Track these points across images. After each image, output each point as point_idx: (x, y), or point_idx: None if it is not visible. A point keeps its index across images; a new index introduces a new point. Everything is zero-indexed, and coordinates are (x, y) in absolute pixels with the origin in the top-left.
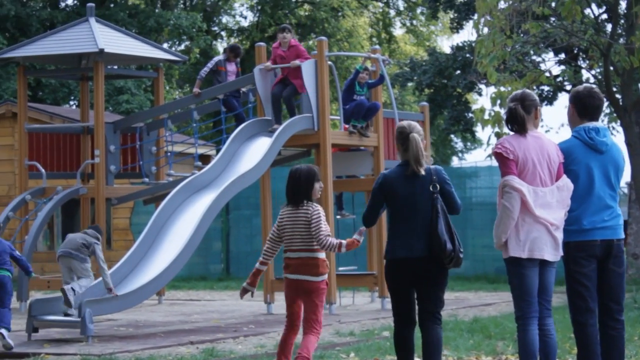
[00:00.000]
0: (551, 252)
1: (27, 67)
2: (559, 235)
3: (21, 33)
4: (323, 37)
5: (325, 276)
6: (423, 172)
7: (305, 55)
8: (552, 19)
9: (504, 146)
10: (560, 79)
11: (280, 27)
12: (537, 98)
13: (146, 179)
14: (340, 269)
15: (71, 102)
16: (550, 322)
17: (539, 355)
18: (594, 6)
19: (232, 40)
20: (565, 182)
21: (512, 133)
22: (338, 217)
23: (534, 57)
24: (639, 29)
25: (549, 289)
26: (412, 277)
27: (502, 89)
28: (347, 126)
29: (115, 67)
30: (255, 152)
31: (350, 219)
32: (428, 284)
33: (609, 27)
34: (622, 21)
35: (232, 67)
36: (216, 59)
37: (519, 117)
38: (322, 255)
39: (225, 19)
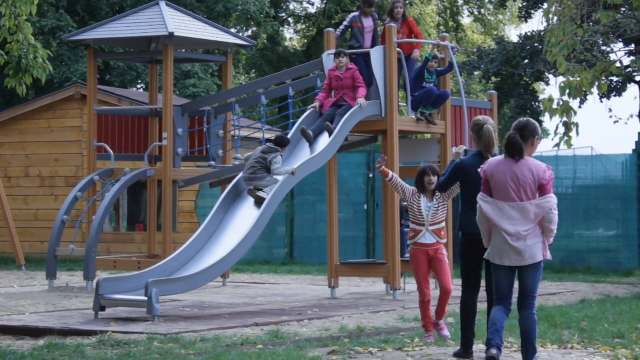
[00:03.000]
0: (513, 260)
1: (97, 49)
2: (519, 245)
3: (91, 17)
4: (392, 24)
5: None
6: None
7: (360, 80)
8: (624, 9)
9: (483, 168)
10: (630, 69)
11: (337, 51)
12: (537, 128)
13: (213, 163)
14: (406, 255)
15: (138, 86)
16: (525, 313)
17: (522, 335)
18: None
19: (299, 27)
20: (542, 201)
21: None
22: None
23: (603, 47)
24: None
25: (527, 286)
26: (482, 249)
27: (571, 78)
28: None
29: (184, 51)
30: (323, 137)
31: None
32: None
33: None
34: None
35: (368, 23)
36: (351, 16)
37: (516, 145)
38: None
39: (292, 5)
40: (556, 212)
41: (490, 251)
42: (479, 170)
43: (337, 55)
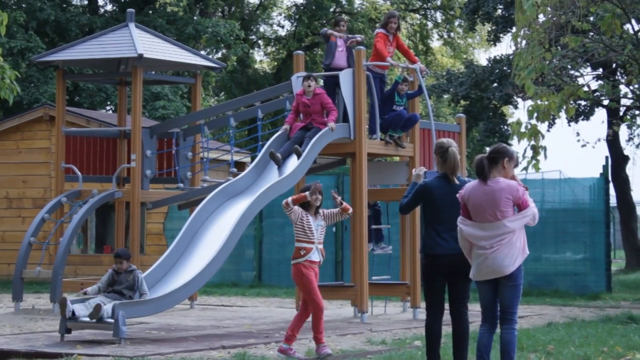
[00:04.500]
0: (489, 273)
1: (66, 71)
2: (492, 258)
3: (60, 38)
4: (361, 47)
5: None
6: (457, 182)
7: (330, 104)
8: (591, 33)
9: (460, 193)
10: (597, 93)
11: (305, 75)
12: (507, 151)
13: (181, 185)
14: (374, 278)
15: (107, 107)
16: (504, 327)
17: (500, 349)
18: (633, 21)
19: (269, 49)
20: (521, 214)
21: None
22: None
23: (571, 71)
24: None
25: (504, 303)
26: (446, 271)
27: (539, 102)
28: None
29: (153, 72)
30: (291, 159)
31: (385, 228)
32: (460, 276)
33: None
34: None
35: (340, 42)
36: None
37: (481, 168)
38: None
39: (262, 27)
40: (537, 218)
41: (472, 270)
42: (457, 195)
43: (305, 79)
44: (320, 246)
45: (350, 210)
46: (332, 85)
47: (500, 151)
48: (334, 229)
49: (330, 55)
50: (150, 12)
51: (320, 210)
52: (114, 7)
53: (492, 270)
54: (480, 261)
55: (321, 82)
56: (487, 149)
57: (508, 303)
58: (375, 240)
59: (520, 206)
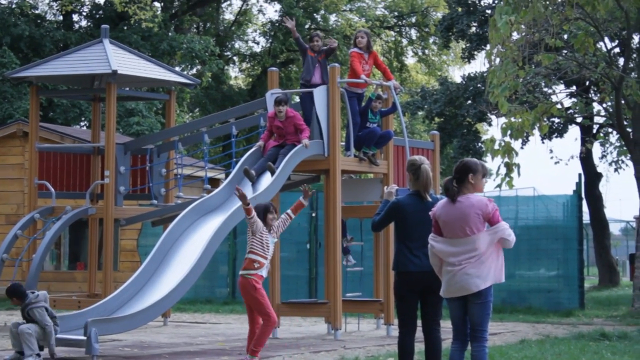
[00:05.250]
0: (457, 290)
1: (40, 86)
2: (461, 275)
3: (34, 53)
4: (335, 64)
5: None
6: (429, 199)
7: (303, 126)
8: (565, 51)
9: (433, 211)
10: (571, 111)
11: (276, 99)
12: (470, 167)
13: (155, 201)
14: (347, 295)
15: (82, 123)
16: (474, 344)
17: None
18: (606, 39)
19: (244, 66)
20: (492, 230)
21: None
22: (344, 244)
23: (545, 89)
24: None
25: (473, 321)
26: (418, 288)
27: (512, 119)
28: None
29: (127, 88)
30: (265, 176)
31: (358, 245)
32: (432, 294)
33: (621, 60)
34: (635, 55)
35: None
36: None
37: (446, 190)
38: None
39: (237, 44)
40: (512, 238)
41: (442, 287)
42: (430, 213)
43: (277, 103)
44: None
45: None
46: (311, 100)
47: (462, 169)
48: (307, 245)
49: (309, 71)
50: (125, 28)
51: (272, 228)
52: (89, 23)
53: (461, 287)
54: (449, 277)
55: (297, 98)
56: None
57: (477, 321)
58: (342, 253)
59: (490, 221)
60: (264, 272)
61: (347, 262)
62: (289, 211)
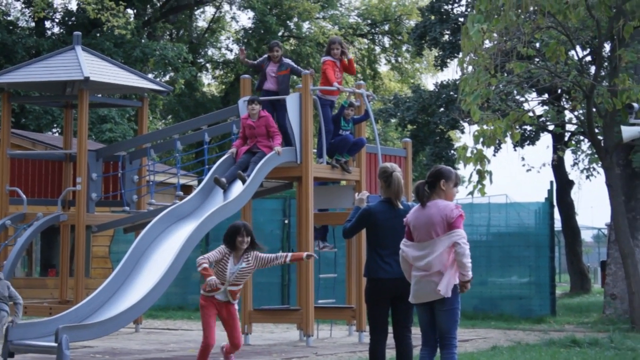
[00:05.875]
0: (422, 296)
1: (12, 93)
2: (426, 281)
3: (6, 60)
4: (308, 71)
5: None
6: (401, 206)
7: (274, 128)
8: (537, 59)
9: (407, 217)
10: (543, 119)
11: (249, 99)
12: (443, 173)
13: (127, 208)
14: (319, 301)
15: (54, 130)
16: (443, 352)
17: None
18: (578, 48)
19: (217, 73)
20: (448, 235)
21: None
22: (317, 249)
23: (517, 97)
24: (622, 71)
25: (441, 328)
26: (389, 295)
27: (485, 127)
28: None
29: (100, 95)
30: (237, 183)
31: (332, 252)
32: (403, 300)
33: (592, 69)
34: (606, 63)
35: (272, 68)
36: (265, 56)
37: (417, 193)
38: None
39: (210, 51)
40: (465, 246)
41: (411, 292)
42: (404, 220)
43: (250, 102)
44: (235, 288)
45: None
46: (270, 109)
47: (435, 174)
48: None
49: (259, 79)
50: (98, 34)
51: (252, 254)
52: (61, 30)
53: (426, 292)
54: (415, 282)
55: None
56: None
57: (445, 328)
58: (320, 238)
59: (451, 226)
60: (218, 297)
61: (320, 248)
62: (287, 256)
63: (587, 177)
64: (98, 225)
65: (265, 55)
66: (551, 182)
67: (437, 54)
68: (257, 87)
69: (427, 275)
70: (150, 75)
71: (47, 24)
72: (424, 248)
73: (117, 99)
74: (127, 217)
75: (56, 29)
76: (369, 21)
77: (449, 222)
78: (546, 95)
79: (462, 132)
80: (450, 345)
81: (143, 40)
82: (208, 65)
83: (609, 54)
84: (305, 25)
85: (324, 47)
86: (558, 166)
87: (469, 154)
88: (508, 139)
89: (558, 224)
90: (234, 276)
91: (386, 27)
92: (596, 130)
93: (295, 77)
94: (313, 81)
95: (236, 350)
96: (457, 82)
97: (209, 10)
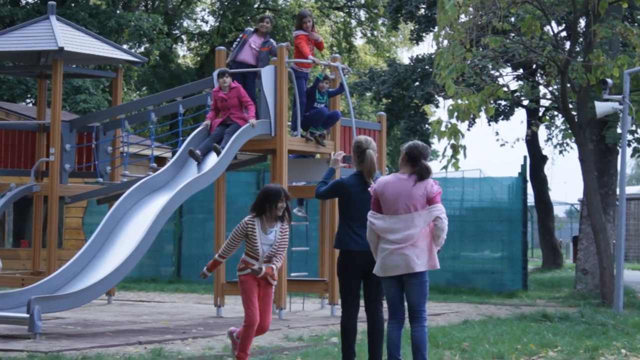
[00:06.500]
0: (393, 270)
1: None
2: (399, 254)
3: None
4: (283, 44)
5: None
6: (372, 183)
7: (247, 98)
8: (512, 34)
9: (373, 187)
10: (517, 94)
11: (220, 71)
12: (426, 154)
13: (100, 179)
14: (292, 274)
15: (28, 100)
16: (414, 325)
17: (412, 346)
18: (553, 23)
19: (192, 45)
20: (429, 210)
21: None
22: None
23: (492, 72)
24: (596, 47)
25: (411, 301)
26: (360, 267)
27: (459, 101)
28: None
29: (74, 66)
30: (211, 155)
31: (303, 225)
32: (374, 274)
33: (567, 44)
34: (581, 39)
35: (256, 41)
36: (247, 29)
37: (423, 170)
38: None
39: (186, 22)
40: (445, 221)
41: (377, 265)
42: (369, 189)
43: (221, 75)
44: (272, 265)
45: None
46: (240, 81)
47: (415, 152)
48: None
49: (235, 49)
50: (73, 5)
51: (285, 226)
52: (36, 0)
53: (397, 265)
54: (385, 255)
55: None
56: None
57: (416, 301)
58: (298, 203)
59: (430, 201)
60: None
61: (298, 211)
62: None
63: (561, 152)
64: (71, 196)
65: (249, 29)
66: (525, 157)
67: (412, 28)
68: (232, 57)
69: (400, 248)
70: (125, 46)
71: None
72: (399, 222)
73: (91, 70)
74: (101, 188)
75: None
76: None
77: (429, 197)
78: (521, 70)
79: (437, 107)
80: (421, 319)
81: (118, 11)
82: (183, 36)
83: (584, 29)
84: None
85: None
86: (532, 141)
87: (443, 128)
88: (482, 114)
89: (531, 199)
90: (270, 249)
91: (362, 1)
92: (570, 106)
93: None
94: (288, 54)
95: (262, 334)
96: (433, 56)
97: None
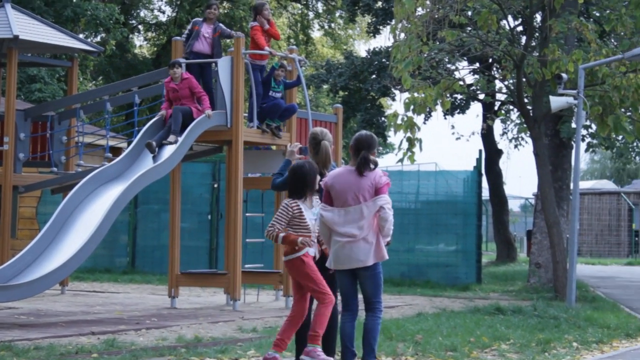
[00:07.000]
0: (346, 263)
1: None
2: (351, 247)
3: None
4: (240, 34)
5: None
6: (327, 174)
7: (199, 89)
8: (468, 28)
9: (324, 181)
10: (473, 88)
11: (171, 62)
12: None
13: (55, 169)
14: (246, 266)
15: None
16: (367, 314)
17: (362, 337)
18: (509, 18)
19: (149, 35)
20: (374, 200)
21: None
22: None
23: (448, 65)
24: (552, 41)
25: (366, 293)
26: (315, 259)
27: (415, 94)
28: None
29: (29, 54)
30: (167, 146)
31: (259, 217)
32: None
33: (523, 39)
34: (537, 34)
35: (207, 29)
36: (195, 19)
37: (363, 162)
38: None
39: (143, 12)
40: (390, 212)
41: (329, 258)
42: (320, 183)
43: (171, 66)
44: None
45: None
46: (197, 71)
47: (362, 144)
48: (209, 216)
49: (191, 41)
50: None
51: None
52: None
53: (350, 258)
54: (337, 248)
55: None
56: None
57: (370, 293)
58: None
59: (378, 191)
60: (312, 252)
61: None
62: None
63: (516, 146)
64: (25, 185)
65: (198, 19)
66: (480, 151)
67: (370, 21)
68: (189, 48)
69: (350, 241)
70: (81, 36)
71: None
72: (348, 213)
73: (47, 59)
74: (55, 178)
75: None
76: None
77: (376, 187)
78: (477, 64)
79: (393, 100)
80: (376, 310)
81: (74, 0)
82: (140, 27)
83: (540, 24)
84: None
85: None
86: (487, 135)
87: (399, 121)
88: (438, 107)
89: (486, 193)
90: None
91: None
92: (525, 100)
93: (226, 40)
94: (245, 45)
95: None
96: (389, 49)
97: None
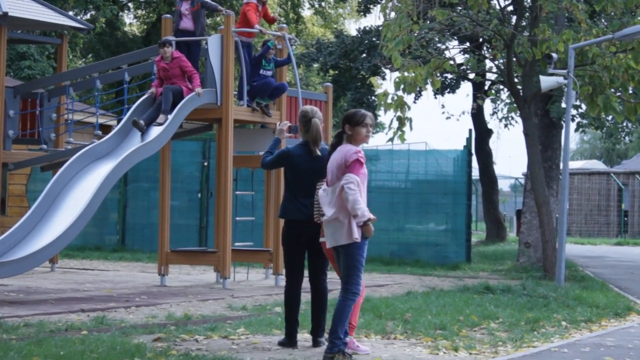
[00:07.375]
0: (330, 241)
1: None
2: (328, 227)
3: None
4: (230, 12)
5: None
6: (319, 152)
7: (189, 67)
8: (459, 7)
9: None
10: (463, 67)
11: (160, 41)
12: (346, 117)
13: (44, 146)
14: (236, 244)
15: None
16: (340, 294)
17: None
18: None
19: (139, 12)
20: (340, 181)
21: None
22: None
23: (438, 45)
24: (542, 21)
25: (342, 270)
26: (305, 237)
27: (406, 74)
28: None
29: (19, 31)
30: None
31: (249, 195)
32: (318, 243)
33: (513, 18)
34: (527, 13)
35: (185, 5)
36: None
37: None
38: None
39: None
40: (350, 190)
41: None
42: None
43: (162, 45)
44: None
45: None
46: (184, 50)
47: (342, 120)
48: (199, 194)
49: (175, 19)
50: None
51: None
52: None
53: (328, 237)
54: (324, 227)
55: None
56: None
57: (344, 273)
58: None
59: (347, 169)
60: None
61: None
62: None
63: (506, 126)
64: (15, 163)
65: None
66: (470, 131)
67: (360, 0)
68: (175, 27)
69: (328, 220)
70: (70, 13)
71: None
72: (327, 193)
73: (36, 36)
74: (45, 155)
75: None
76: None
77: (346, 165)
78: (467, 44)
79: (383, 79)
80: (347, 290)
81: None
82: (130, 4)
83: (530, 3)
84: None
85: None
86: (477, 115)
87: (389, 101)
88: (429, 86)
89: (476, 173)
90: None
91: None
92: (515, 80)
93: (211, 11)
94: (234, 23)
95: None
96: (380, 28)
97: None
